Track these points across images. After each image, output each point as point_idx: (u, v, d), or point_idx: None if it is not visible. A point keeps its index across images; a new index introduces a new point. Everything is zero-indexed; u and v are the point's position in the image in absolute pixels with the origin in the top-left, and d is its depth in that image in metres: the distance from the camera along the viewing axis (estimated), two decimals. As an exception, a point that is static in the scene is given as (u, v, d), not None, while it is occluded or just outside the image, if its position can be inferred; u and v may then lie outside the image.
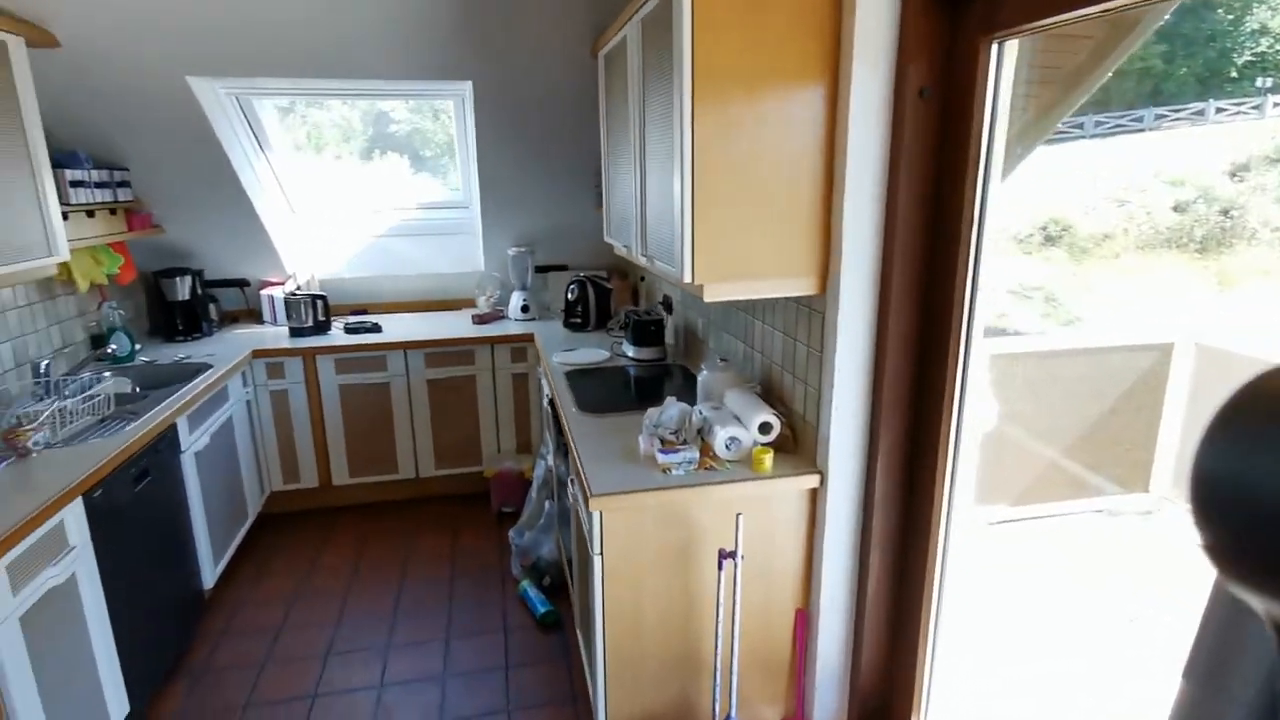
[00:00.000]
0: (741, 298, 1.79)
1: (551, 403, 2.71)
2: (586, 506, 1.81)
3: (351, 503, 3.64)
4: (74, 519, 1.90)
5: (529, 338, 3.57)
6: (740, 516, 1.76)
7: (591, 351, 3.12)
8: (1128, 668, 2.43)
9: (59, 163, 2.55)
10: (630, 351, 3.02)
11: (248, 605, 2.85)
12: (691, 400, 2.30)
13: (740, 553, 1.80)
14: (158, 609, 2.34)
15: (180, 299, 3.43)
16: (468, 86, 2.91)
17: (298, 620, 2.76)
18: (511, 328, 3.69)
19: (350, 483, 3.56)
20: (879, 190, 1.69)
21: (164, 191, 3.19)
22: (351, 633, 2.67)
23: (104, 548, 2.03)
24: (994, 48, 1.54)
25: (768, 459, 1.88)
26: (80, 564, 1.91)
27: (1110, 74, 1.93)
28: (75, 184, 2.58)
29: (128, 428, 2.30)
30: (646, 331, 2.97)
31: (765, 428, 1.94)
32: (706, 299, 1.76)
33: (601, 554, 1.83)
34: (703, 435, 2.04)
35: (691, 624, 1.93)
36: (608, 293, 3.65)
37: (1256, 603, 0.52)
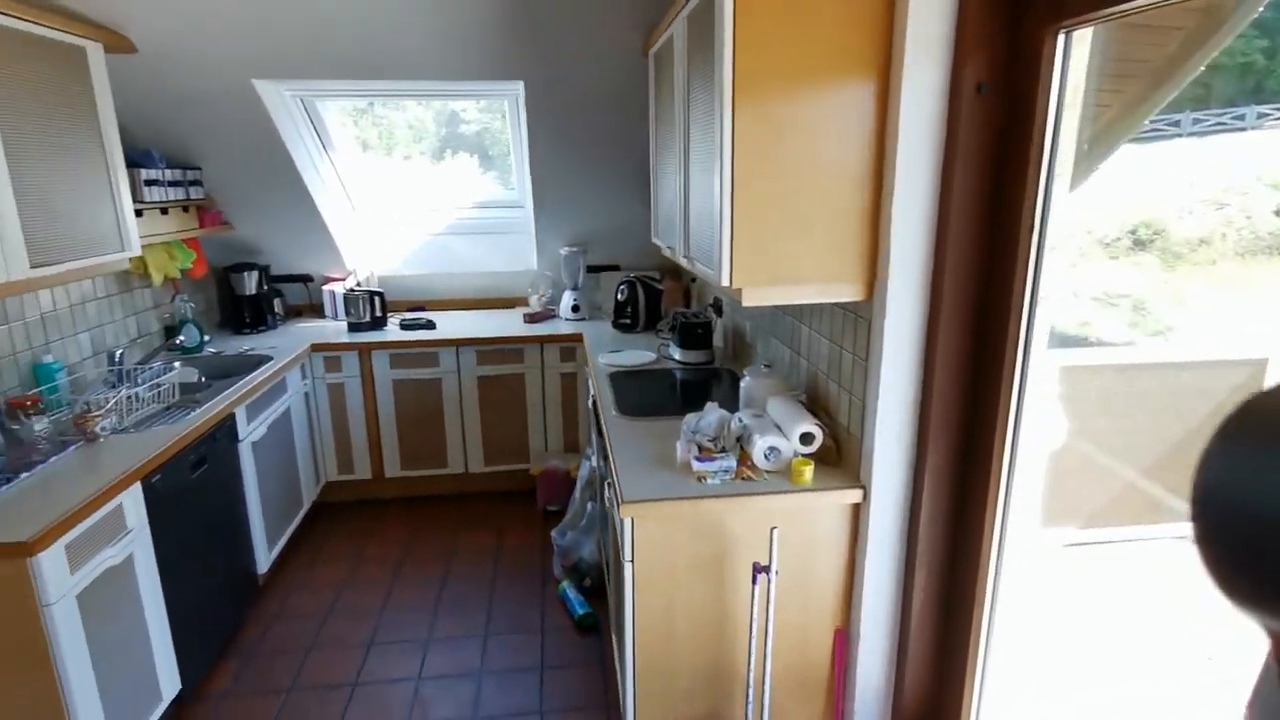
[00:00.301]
0: (782, 303, 1.73)
1: (594, 403, 2.70)
2: (619, 512, 1.78)
3: (402, 495, 3.71)
4: (132, 502, 1.99)
5: (578, 337, 3.57)
6: (775, 531, 1.69)
7: (637, 353, 3.09)
8: (1201, 707, 2.24)
9: (135, 162, 2.69)
10: (677, 354, 2.97)
11: (299, 590, 2.94)
12: (734, 406, 2.24)
13: (775, 568, 1.74)
14: (211, 591, 2.43)
15: (247, 293, 3.57)
16: (520, 87, 2.92)
17: (345, 607, 2.82)
18: (562, 327, 3.69)
19: (401, 475, 3.63)
20: (931, 192, 1.60)
21: (233, 190, 3.33)
22: (394, 623, 2.72)
23: (160, 531, 2.11)
24: (1060, 39, 1.43)
25: (808, 471, 1.81)
26: (137, 546, 2.00)
27: (1204, 68, 1.78)
28: (150, 183, 2.71)
29: (188, 416, 2.40)
30: (694, 334, 2.92)
31: (807, 438, 1.87)
32: (745, 304, 1.71)
33: (633, 561, 1.79)
34: (742, 443, 1.98)
35: (724, 638, 1.88)
36: (658, 294, 3.62)
37: (1259, 622, 0.50)
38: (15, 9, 1.97)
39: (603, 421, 2.33)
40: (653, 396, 2.55)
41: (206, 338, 3.32)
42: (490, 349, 3.53)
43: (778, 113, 1.58)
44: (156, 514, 2.10)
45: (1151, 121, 2.01)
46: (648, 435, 2.14)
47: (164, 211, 2.89)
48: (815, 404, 2.10)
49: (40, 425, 2.13)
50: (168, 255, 3.11)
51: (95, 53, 2.29)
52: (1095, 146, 1.65)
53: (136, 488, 2.01)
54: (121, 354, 2.78)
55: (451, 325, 3.70)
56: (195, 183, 3.07)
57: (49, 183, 2.08)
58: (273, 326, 3.68)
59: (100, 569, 1.84)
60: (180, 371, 2.97)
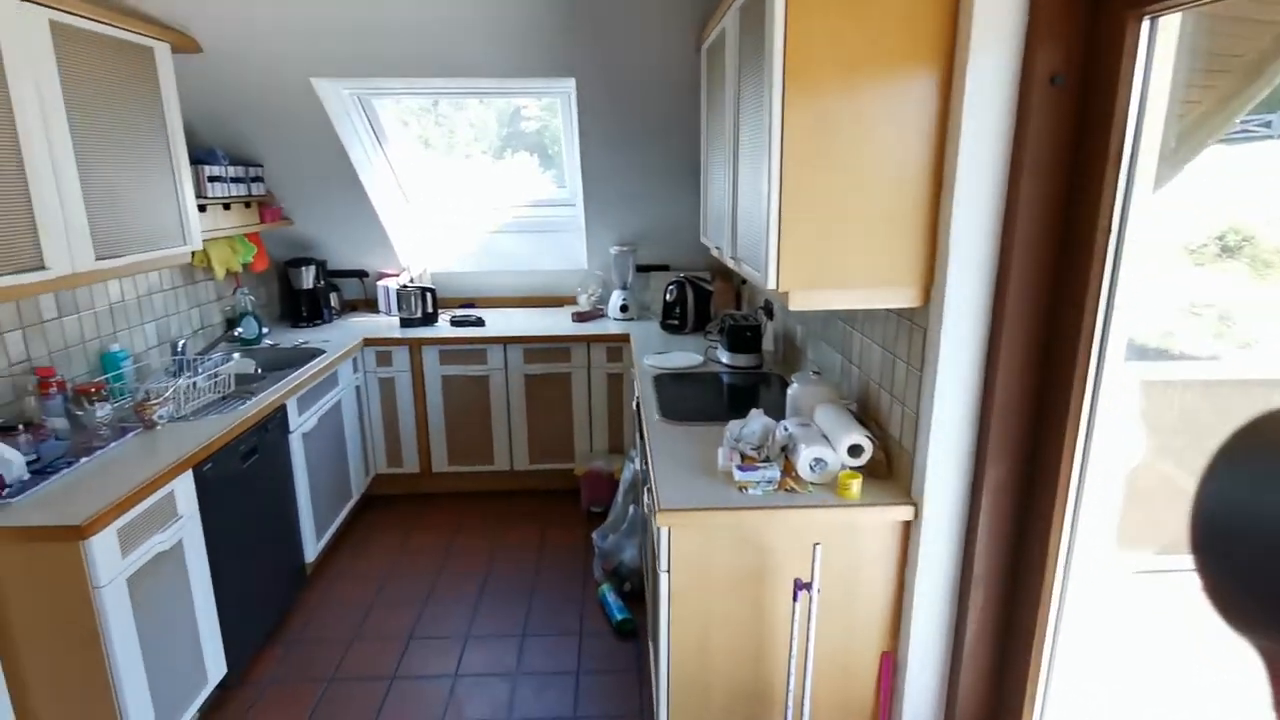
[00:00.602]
0: (830, 307, 1.64)
1: (638, 405, 2.65)
2: (656, 520, 1.73)
3: (448, 490, 3.74)
4: (184, 490, 2.04)
5: (625, 338, 3.53)
6: (817, 547, 1.61)
7: (684, 355, 3.03)
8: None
9: (199, 159, 2.77)
10: (724, 358, 2.90)
11: (345, 579, 2.99)
12: (782, 414, 2.16)
13: (817, 585, 1.65)
14: (259, 579, 2.48)
15: (305, 287, 3.66)
16: (571, 83, 2.90)
17: (388, 599, 2.85)
18: (610, 327, 3.66)
19: (448, 470, 3.66)
20: (996, 192, 1.49)
21: (292, 186, 3.41)
22: (435, 617, 2.73)
23: (211, 518, 2.16)
24: (1145, 26, 1.31)
25: (855, 485, 1.72)
26: (187, 532, 2.05)
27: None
28: (213, 179, 2.79)
29: (242, 406, 2.46)
30: (742, 337, 2.85)
31: (855, 450, 1.78)
32: (792, 307, 1.63)
33: (669, 571, 1.74)
34: (787, 453, 1.91)
35: (763, 656, 1.80)
36: (708, 295, 3.55)
37: (1256, 645, 0.50)
38: (88, 10, 2.04)
39: (645, 424, 2.28)
40: (697, 401, 2.48)
41: (265, 330, 3.41)
42: (538, 347, 3.53)
43: (830, 106, 1.50)
44: (207, 501, 2.15)
45: (1242, 122, 1.85)
46: (690, 441, 2.08)
47: (226, 207, 2.97)
48: (866, 414, 2.00)
49: (103, 412, 2.21)
50: (230, 249, 3.20)
51: (163, 53, 2.37)
52: (1181, 145, 1.52)
53: (188, 475, 2.06)
54: (184, 344, 2.88)
55: (500, 323, 3.71)
56: (257, 179, 3.15)
57: (116, 178, 2.16)
58: (328, 320, 3.76)
59: (151, 554, 1.89)
60: (238, 362, 3.06)
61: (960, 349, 1.57)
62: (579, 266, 4.01)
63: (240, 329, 3.02)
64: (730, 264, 2.05)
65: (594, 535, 3.05)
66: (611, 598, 2.76)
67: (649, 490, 2.00)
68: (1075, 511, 1.53)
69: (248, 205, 3.16)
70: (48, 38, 1.90)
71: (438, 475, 3.68)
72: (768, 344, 3.04)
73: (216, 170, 2.81)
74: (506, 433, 3.63)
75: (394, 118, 3.49)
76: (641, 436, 2.44)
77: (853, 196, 1.55)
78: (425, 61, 2.77)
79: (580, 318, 3.77)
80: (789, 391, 2.11)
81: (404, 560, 3.14)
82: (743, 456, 1.92)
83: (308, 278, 3.66)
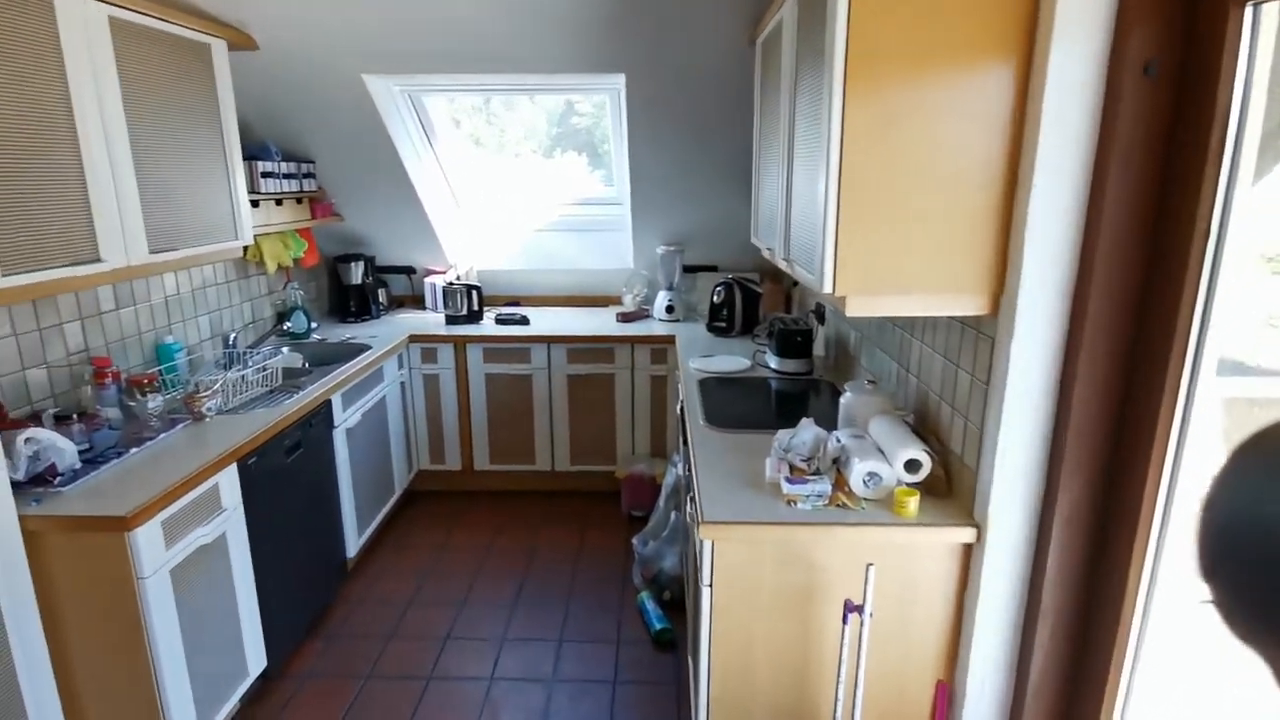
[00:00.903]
0: (890, 314, 1.55)
1: (683, 410, 2.58)
2: (698, 532, 1.66)
3: (489, 488, 3.73)
4: (228, 483, 2.05)
5: (670, 339, 3.46)
6: (871, 568, 1.52)
7: (731, 359, 2.94)
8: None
9: (253, 155, 2.81)
10: (773, 363, 2.81)
11: (386, 576, 2.99)
12: (832, 423, 2.07)
13: (869, 608, 1.56)
14: (301, 573, 2.49)
15: (353, 283, 3.69)
16: (621, 79, 2.84)
17: (427, 597, 2.85)
18: (655, 328, 3.60)
19: (490, 469, 3.65)
20: (1078, 192, 1.37)
21: (343, 182, 3.44)
22: (472, 618, 2.71)
23: (254, 511, 2.18)
24: (1249, 12, 1.18)
25: (912, 503, 1.62)
26: (230, 525, 2.06)
27: None
28: (265, 174, 2.82)
29: (287, 401, 2.47)
30: (792, 342, 2.75)
31: (913, 465, 1.67)
32: (849, 314, 1.54)
33: (711, 586, 1.66)
34: (839, 466, 1.81)
35: (809, 678, 1.71)
36: (756, 297, 3.45)
37: (1263, 656, 0.51)
38: (148, 7, 2.07)
39: (689, 430, 2.21)
40: (744, 407, 2.40)
41: (314, 325, 3.44)
42: (582, 347, 3.49)
43: (894, 100, 1.40)
44: (251, 495, 2.16)
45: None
46: (736, 450, 2.00)
47: (278, 202, 3.01)
48: (924, 427, 1.89)
49: (155, 403, 2.24)
50: (282, 244, 3.24)
51: (219, 49, 2.39)
52: (1273, 142, 1.38)
53: (233, 469, 2.07)
54: (235, 337, 2.92)
55: (545, 321, 3.68)
56: (308, 175, 3.18)
57: (170, 173, 2.19)
58: (376, 316, 3.79)
59: (194, 546, 1.90)
60: (286, 356, 3.09)
61: (1033, 362, 1.46)
62: (625, 266, 3.96)
63: (289, 323, 3.05)
64: (783, 266, 1.97)
65: (634, 541, 2.99)
66: (650, 606, 2.69)
67: (692, 500, 1.92)
68: (1159, 543, 1.40)
69: (299, 201, 3.19)
70: (107, 34, 1.92)
71: (479, 473, 3.67)
72: (819, 349, 2.93)
73: (269, 166, 2.84)
74: (548, 433, 3.60)
75: (445, 116, 3.49)
76: (685, 442, 2.37)
77: (917, 197, 1.45)
78: (475, 57, 2.75)
79: (625, 318, 3.72)
80: (842, 400, 2.01)
81: (444, 558, 3.14)
82: (792, 468, 1.83)
83: (356, 273, 3.69)
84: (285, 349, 3.19)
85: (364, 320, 3.72)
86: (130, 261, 2.01)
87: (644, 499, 3.43)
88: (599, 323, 3.67)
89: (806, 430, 1.87)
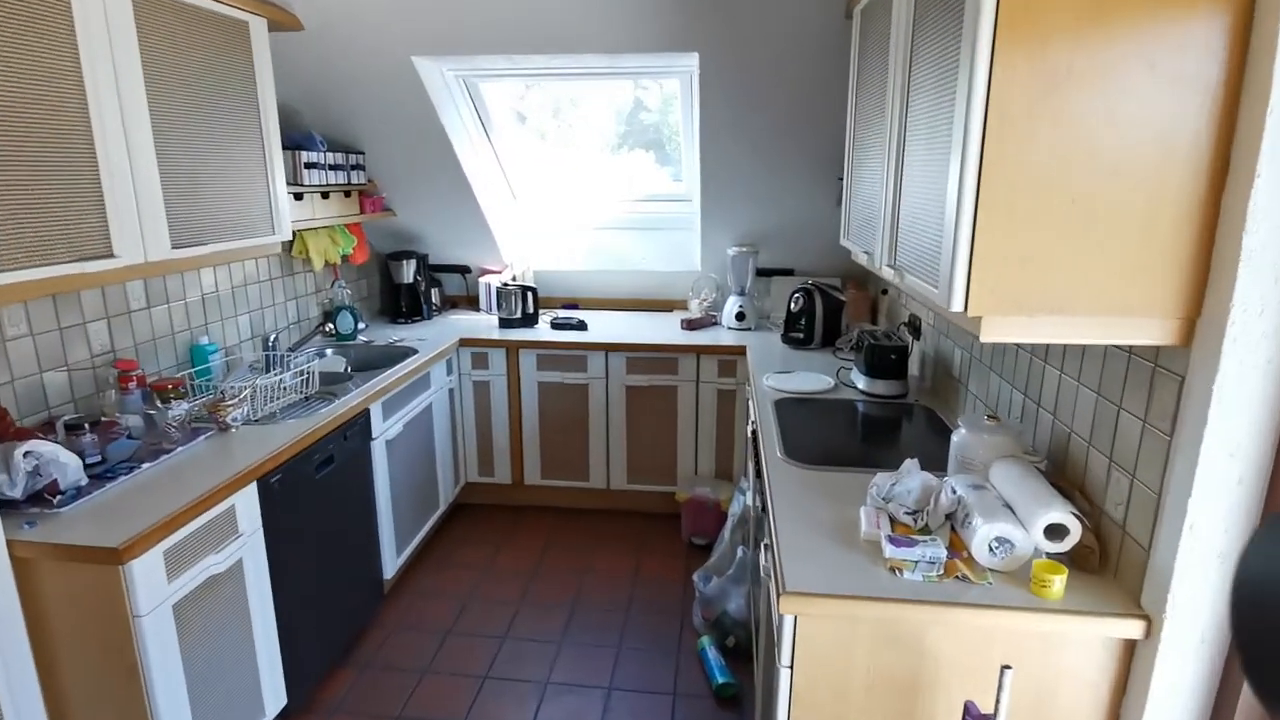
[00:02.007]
0: (1044, 341, 1.20)
1: (754, 434, 2.26)
2: (776, 606, 1.34)
3: (540, 504, 3.49)
4: (246, 504, 1.85)
5: (740, 350, 3.14)
6: (1007, 672, 1.17)
7: (811, 377, 2.60)
8: None
9: (296, 144, 2.63)
10: (860, 383, 2.45)
11: (425, 598, 2.78)
12: (939, 464, 1.72)
13: (1003, 717, 1.21)
14: (331, 598, 2.29)
15: (405, 282, 3.51)
16: (694, 60, 2.54)
17: (467, 625, 2.61)
18: (723, 337, 3.28)
19: (540, 484, 3.41)
20: (1329, 182, 1.00)
21: (394, 175, 3.25)
22: (514, 655, 2.46)
23: (276, 534, 1.97)
24: None
25: (1057, 582, 1.26)
26: (248, 551, 1.86)
27: None
28: (309, 165, 2.64)
29: (319, 411, 2.27)
30: (884, 360, 2.39)
31: (1056, 532, 1.32)
32: (985, 338, 1.19)
33: (791, 668, 1.35)
34: (954, 524, 1.46)
35: (911, 788, 1.38)
36: (839, 305, 3.09)
37: None
38: (178, -21, 1.89)
39: (763, 462, 1.89)
40: (829, 436, 2.06)
41: (361, 325, 3.27)
42: (642, 356, 3.20)
43: (1060, 59, 1.06)
44: (273, 516, 1.96)
45: None
46: (822, 491, 1.67)
47: (324, 196, 2.83)
48: (1062, 478, 1.52)
49: (179, 410, 2.07)
50: (330, 240, 3.08)
51: (258, 28, 2.21)
52: None
53: (251, 489, 1.86)
54: (275, 339, 2.75)
55: (603, 327, 3.41)
56: (357, 167, 3.00)
57: (199, 161, 2.00)
58: (428, 317, 3.60)
59: (203, 576, 1.70)
60: (329, 360, 2.92)
61: (1243, 411, 1.08)
62: (692, 269, 3.66)
63: (332, 324, 2.87)
64: (887, 275, 1.63)
65: (695, 576, 2.68)
66: (712, 655, 2.38)
67: (768, 548, 1.61)
68: None
69: (347, 194, 3.01)
70: (128, 5, 1.74)
71: (530, 488, 3.43)
72: (913, 367, 2.56)
73: (314, 156, 2.66)
74: (604, 448, 3.33)
75: (503, 105, 3.26)
76: (758, 472, 2.05)
77: (1085, 189, 1.10)
78: (531, 38, 2.50)
79: (690, 325, 3.41)
80: (954, 439, 1.65)
81: (488, 580, 2.90)
82: (894, 522, 1.49)
83: (408, 272, 3.50)
84: (330, 351, 3.03)
85: (415, 321, 3.54)
86: (149, 258, 1.83)
87: (706, 526, 3.12)
88: (662, 330, 3.38)
89: (912, 476, 1.53)
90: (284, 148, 2.59)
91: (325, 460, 2.22)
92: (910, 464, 1.60)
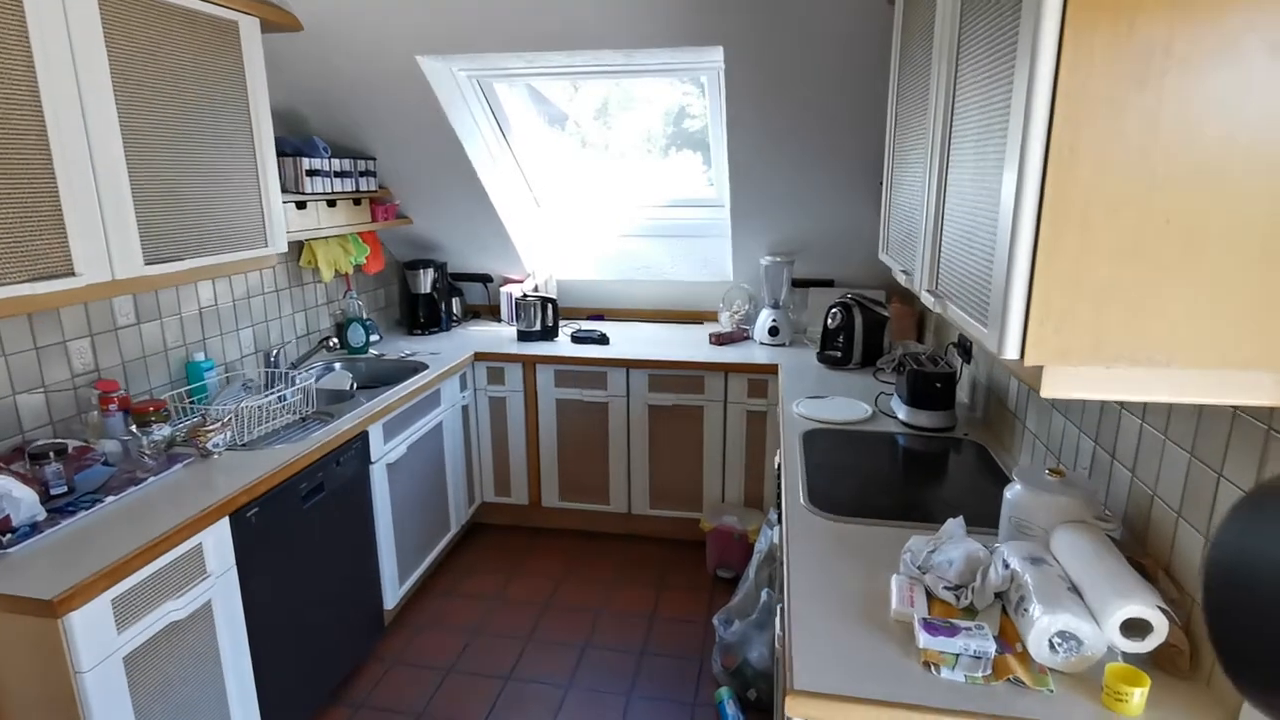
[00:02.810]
0: (1124, 398, 0.94)
1: (781, 468, 2.03)
2: (784, 706, 1.12)
3: (558, 526, 3.31)
4: (216, 542, 1.70)
5: (772, 369, 2.89)
6: (1072, 821, 0.92)
7: (847, 404, 2.35)
8: None
9: (298, 150, 2.50)
10: (901, 413, 2.19)
11: (430, 630, 2.62)
12: (989, 518, 1.47)
13: None
14: (319, 637, 2.14)
15: (421, 292, 3.37)
16: (719, 55, 2.31)
17: (471, 662, 2.44)
18: (755, 353, 3.04)
19: (559, 506, 3.23)
20: None
21: (407, 181, 3.11)
22: (517, 698, 2.28)
23: (253, 573, 1.83)
24: None
25: (1136, 695, 1.01)
26: (218, 592, 1.72)
27: None
28: (312, 173, 2.51)
29: (315, 434, 2.13)
30: (929, 388, 2.12)
31: (1136, 628, 1.06)
32: (1047, 393, 0.95)
33: (802, 779, 1.12)
34: (1006, 606, 1.21)
35: None
36: (881, 322, 2.82)
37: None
38: (157, -24, 1.77)
39: (785, 510, 1.66)
40: (862, 478, 1.81)
41: (374, 338, 3.15)
42: (665, 374, 2.99)
43: (1154, 41, 0.81)
44: (249, 553, 1.81)
45: None
46: (848, 550, 1.44)
47: (331, 204, 2.70)
48: (1141, 552, 1.25)
49: (160, 434, 1.95)
50: (342, 249, 2.95)
51: (249, 28, 2.08)
52: None
53: (223, 525, 1.72)
54: (277, 354, 2.63)
55: (627, 341, 3.21)
56: (367, 173, 2.87)
57: (178, 170, 1.88)
58: (446, 329, 3.46)
59: (161, 623, 1.56)
60: (335, 375, 2.79)
61: (1403, 501, 0.81)
62: (723, 278, 3.43)
63: (335, 339, 2.74)
64: (926, 300, 1.38)
65: (715, 619, 2.45)
66: (731, 710, 2.16)
67: (780, 615, 1.38)
68: None
69: (357, 202, 2.88)
70: (93, 3, 1.61)
71: (548, 510, 3.26)
72: (962, 394, 2.29)
73: (316, 163, 2.53)
74: (625, 470, 3.13)
75: (520, 106, 3.09)
76: (780, 516, 1.82)
77: (1183, 203, 0.85)
78: (537, 33, 2.31)
79: (719, 340, 3.18)
80: (1008, 495, 1.40)
81: (498, 611, 2.73)
82: (930, 597, 1.25)
83: (425, 282, 3.36)
84: (338, 365, 2.91)
85: (432, 333, 3.40)
86: (117, 275, 1.70)
87: (732, 558, 2.89)
88: (689, 344, 3.15)
89: (955, 545, 1.28)
90: (284, 154, 2.48)
91: (315, 489, 2.08)
92: (953, 525, 1.35)
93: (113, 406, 1.97)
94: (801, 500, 1.68)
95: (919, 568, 1.30)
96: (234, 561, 1.77)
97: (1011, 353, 0.94)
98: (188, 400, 2.20)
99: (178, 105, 1.86)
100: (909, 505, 1.66)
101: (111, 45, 1.66)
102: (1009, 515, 1.38)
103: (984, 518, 1.54)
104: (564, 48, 2.35)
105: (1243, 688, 0.49)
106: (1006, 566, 1.22)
